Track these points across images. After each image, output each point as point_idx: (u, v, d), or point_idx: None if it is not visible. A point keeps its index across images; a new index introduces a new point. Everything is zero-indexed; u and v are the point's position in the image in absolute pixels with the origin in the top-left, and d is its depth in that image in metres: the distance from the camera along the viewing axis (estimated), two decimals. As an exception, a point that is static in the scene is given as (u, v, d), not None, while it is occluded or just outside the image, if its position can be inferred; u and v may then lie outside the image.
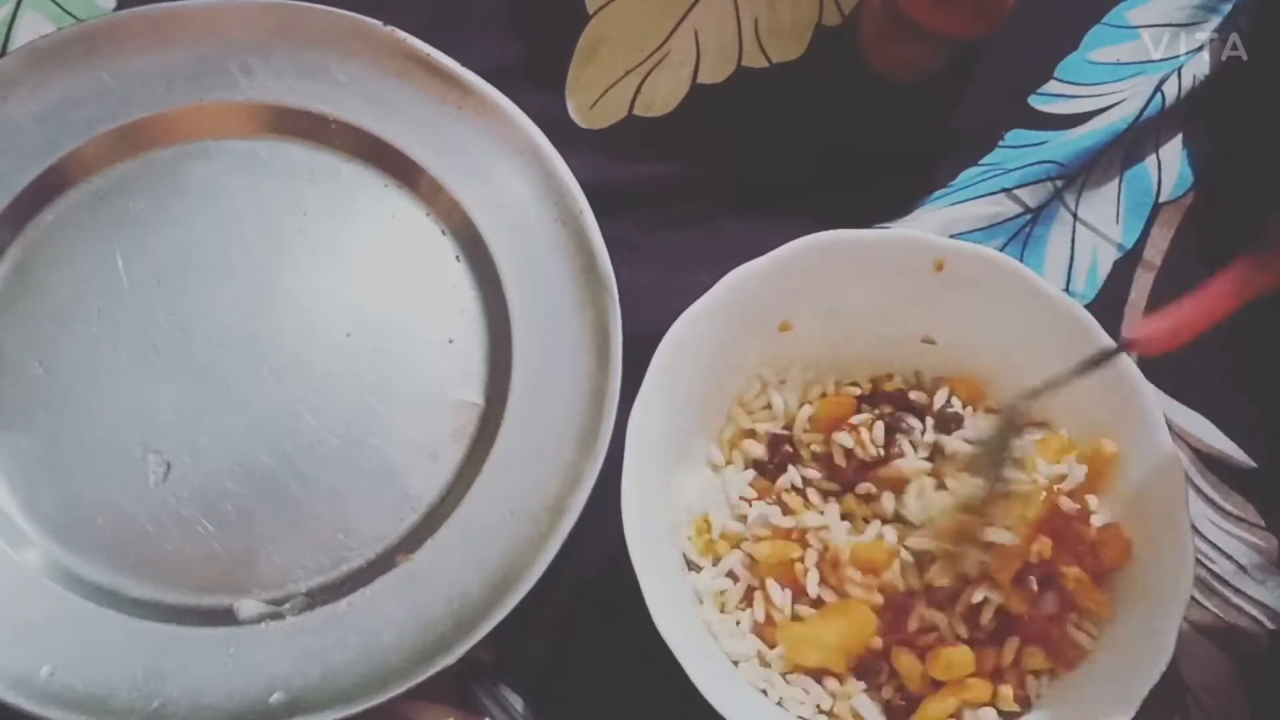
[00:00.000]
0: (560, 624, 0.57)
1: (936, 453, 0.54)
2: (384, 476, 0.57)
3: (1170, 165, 0.66)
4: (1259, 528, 0.60)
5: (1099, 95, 0.66)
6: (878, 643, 0.51)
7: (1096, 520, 0.53)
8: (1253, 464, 0.61)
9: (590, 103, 0.66)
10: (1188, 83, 0.65)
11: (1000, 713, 0.51)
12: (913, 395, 0.56)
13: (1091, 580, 0.52)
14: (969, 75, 0.66)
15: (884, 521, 0.53)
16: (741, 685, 0.51)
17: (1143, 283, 0.64)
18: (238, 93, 0.62)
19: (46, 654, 0.52)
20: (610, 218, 0.61)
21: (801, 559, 0.52)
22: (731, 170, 0.65)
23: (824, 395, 0.56)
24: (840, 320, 0.56)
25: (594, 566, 0.56)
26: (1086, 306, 0.55)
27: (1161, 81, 0.66)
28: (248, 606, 0.54)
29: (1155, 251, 0.65)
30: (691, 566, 0.54)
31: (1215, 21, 0.67)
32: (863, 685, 0.52)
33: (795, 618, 0.52)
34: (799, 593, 0.52)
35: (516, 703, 0.55)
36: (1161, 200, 0.65)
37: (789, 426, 0.56)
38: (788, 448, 0.55)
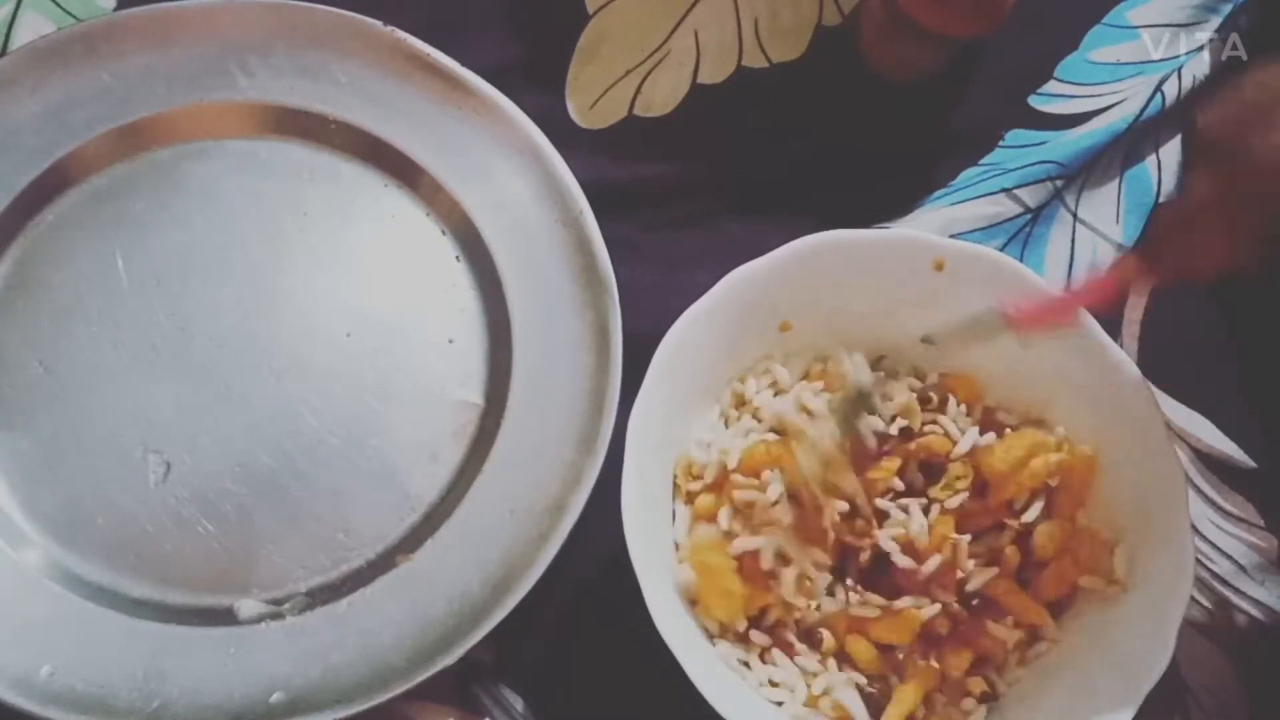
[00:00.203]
0: (560, 624, 0.57)
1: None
2: (384, 476, 0.57)
3: (1170, 165, 0.66)
4: (1259, 528, 0.60)
5: (1099, 95, 0.66)
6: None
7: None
8: (1253, 464, 0.61)
9: (590, 103, 0.66)
10: (1188, 83, 0.66)
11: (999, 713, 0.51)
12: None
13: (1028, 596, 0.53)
14: (969, 75, 0.66)
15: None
16: (740, 685, 0.51)
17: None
18: (238, 93, 0.62)
19: (46, 654, 0.52)
20: (610, 218, 0.61)
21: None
22: (731, 170, 0.65)
23: (824, 371, 0.56)
24: (840, 320, 0.56)
25: (594, 566, 0.56)
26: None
27: (1161, 81, 0.66)
28: (248, 606, 0.54)
29: (1155, 251, 0.65)
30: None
31: (1215, 21, 0.67)
32: (845, 677, 0.52)
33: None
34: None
35: (516, 703, 0.55)
36: (1161, 200, 0.65)
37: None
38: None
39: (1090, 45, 0.68)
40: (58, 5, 0.65)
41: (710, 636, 0.52)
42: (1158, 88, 0.65)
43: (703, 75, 0.66)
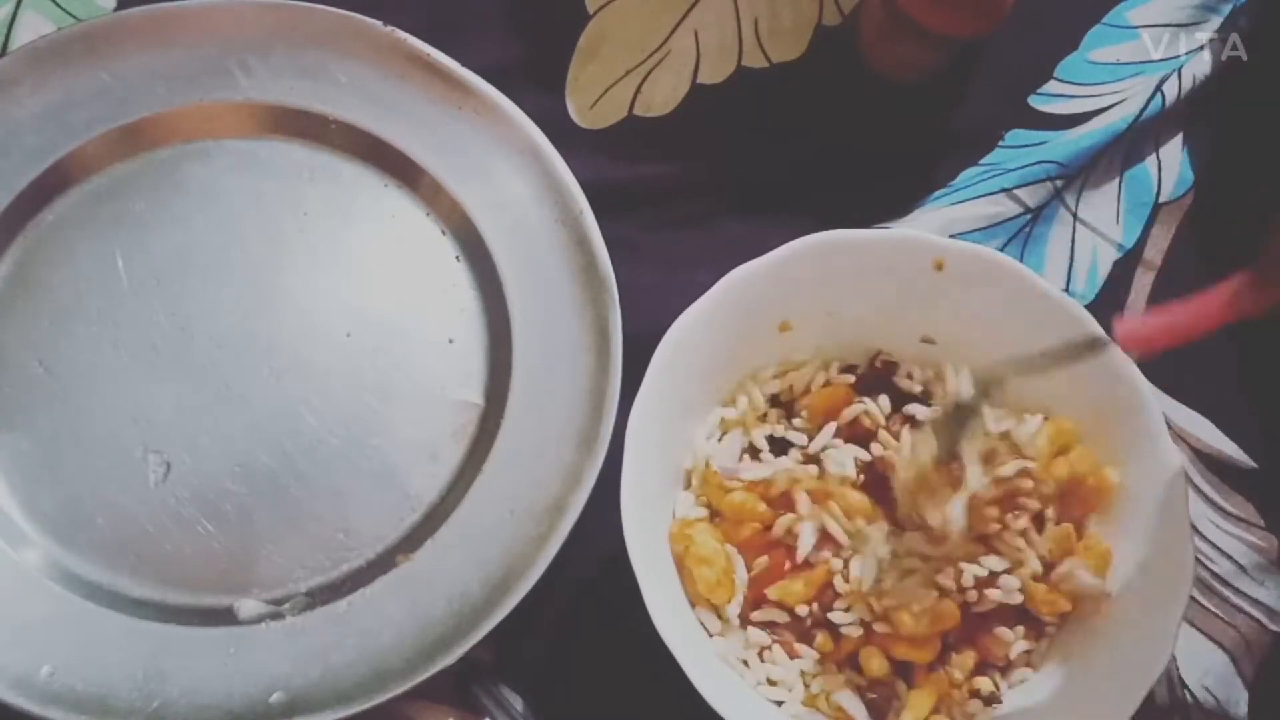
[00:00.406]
0: (560, 624, 0.57)
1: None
2: (384, 476, 0.57)
3: (1170, 165, 0.66)
4: (1259, 528, 0.60)
5: (1099, 95, 0.66)
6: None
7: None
8: (1253, 464, 0.61)
9: (590, 103, 0.66)
10: (1188, 83, 0.65)
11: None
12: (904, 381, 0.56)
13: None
14: (969, 75, 0.66)
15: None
16: (739, 684, 0.51)
17: (1143, 283, 0.64)
18: (238, 93, 0.62)
19: (46, 654, 0.52)
20: (610, 218, 0.61)
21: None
22: (731, 170, 0.65)
23: (827, 384, 0.56)
24: (840, 320, 0.56)
25: (594, 566, 0.56)
26: (1086, 306, 0.54)
27: (1161, 81, 0.66)
28: (248, 606, 0.55)
29: (1155, 251, 0.65)
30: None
31: (1215, 21, 0.67)
32: (844, 678, 0.51)
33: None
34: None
35: (516, 703, 0.55)
36: (1161, 200, 0.65)
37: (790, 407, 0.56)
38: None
39: (1090, 45, 0.68)
40: (58, 5, 0.65)
41: (709, 634, 0.52)
42: (1158, 88, 0.65)
43: (703, 75, 0.66)
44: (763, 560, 0.52)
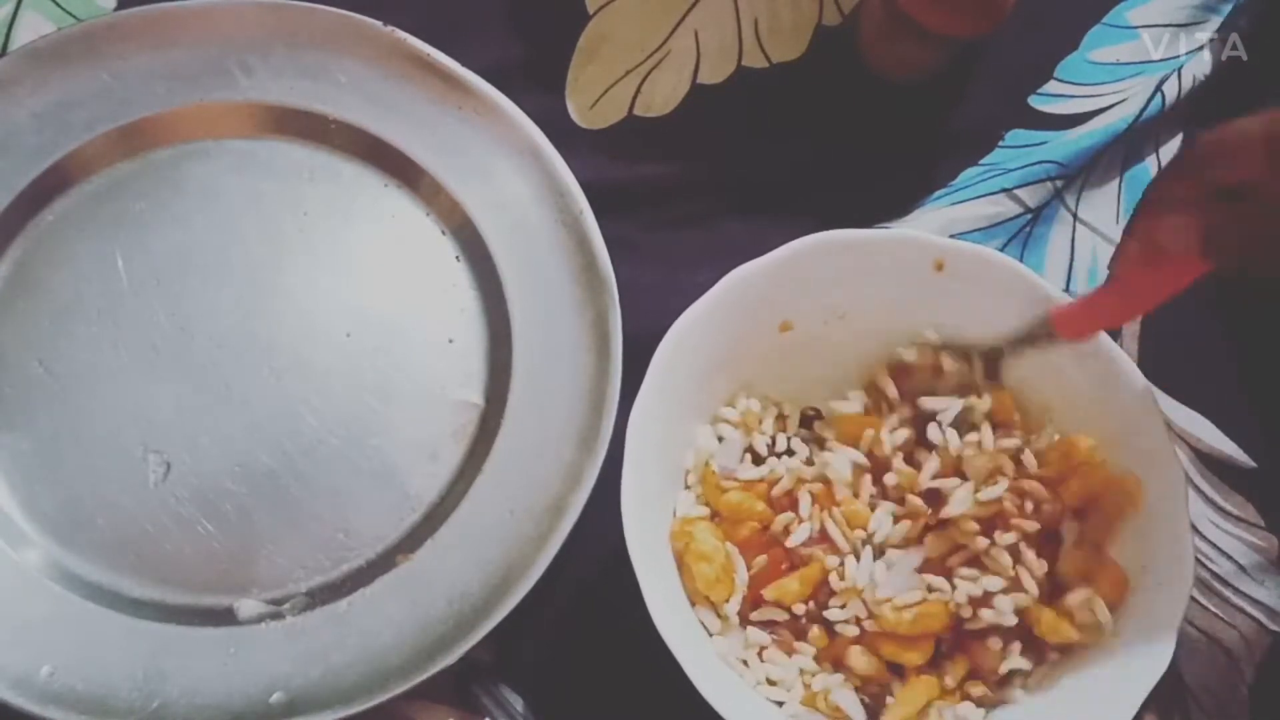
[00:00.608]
0: (560, 624, 0.57)
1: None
2: (384, 476, 0.57)
3: (1170, 165, 0.66)
4: (1259, 528, 0.60)
5: (1099, 95, 0.66)
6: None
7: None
8: (1253, 464, 0.61)
9: (590, 103, 0.66)
10: (1188, 83, 0.65)
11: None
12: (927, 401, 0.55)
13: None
14: (969, 75, 0.66)
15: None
16: (739, 684, 0.51)
17: (1143, 283, 0.64)
18: (238, 93, 0.62)
19: (46, 654, 0.52)
20: (610, 218, 0.61)
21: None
22: (731, 170, 0.65)
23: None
24: (840, 320, 0.56)
25: (594, 566, 0.56)
26: (1086, 306, 0.55)
27: (1161, 81, 0.66)
28: (248, 606, 0.55)
29: (1155, 251, 0.65)
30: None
31: (1215, 21, 0.67)
32: (841, 678, 0.51)
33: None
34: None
35: (516, 703, 0.55)
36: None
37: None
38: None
39: (1090, 45, 0.68)
40: (58, 5, 0.65)
41: (709, 634, 0.52)
42: (1158, 88, 0.65)
43: (703, 75, 0.66)
44: (761, 560, 0.52)
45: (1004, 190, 0.64)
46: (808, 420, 0.57)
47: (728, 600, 0.52)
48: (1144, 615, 0.51)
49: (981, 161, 0.65)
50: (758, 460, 0.55)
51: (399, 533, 0.56)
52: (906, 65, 0.65)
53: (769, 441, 0.55)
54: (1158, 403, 0.53)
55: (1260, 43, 0.66)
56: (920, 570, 0.52)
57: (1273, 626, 0.58)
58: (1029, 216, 0.64)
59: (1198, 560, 0.58)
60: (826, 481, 0.53)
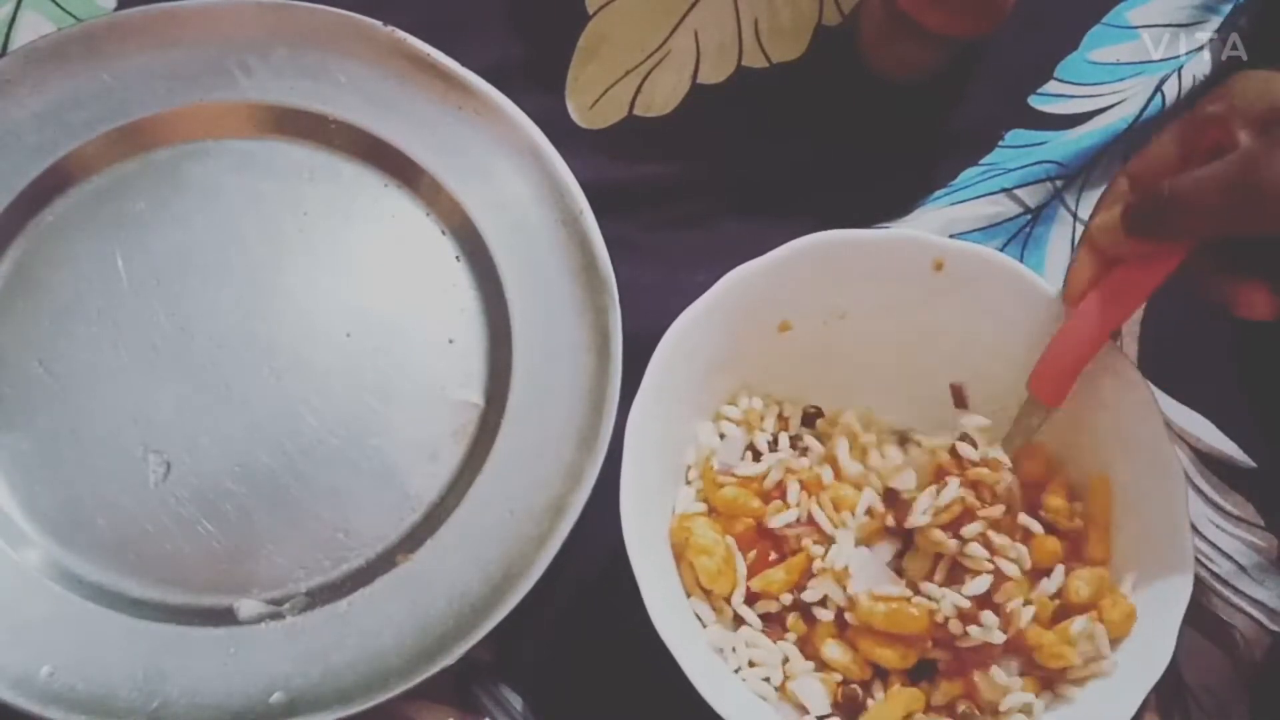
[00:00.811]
0: (560, 624, 0.57)
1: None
2: (384, 476, 0.57)
3: (1170, 165, 0.66)
4: (1259, 528, 0.60)
5: (1099, 95, 0.66)
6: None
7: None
8: (1253, 464, 0.61)
9: (590, 103, 0.66)
10: (1188, 83, 0.65)
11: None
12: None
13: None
14: (969, 75, 0.66)
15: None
16: (740, 686, 0.51)
17: (1142, 283, 0.64)
18: (238, 93, 0.62)
19: (46, 654, 0.52)
20: (610, 218, 0.61)
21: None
22: (731, 170, 0.65)
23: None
24: (840, 320, 0.56)
25: (594, 566, 0.56)
26: (1086, 306, 0.55)
27: (1161, 82, 0.66)
28: (248, 606, 0.54)
29: (1155, 251, 0.65)
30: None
31: (1215, 22, 0.67)
32: (811, 666, 0.51)
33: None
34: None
35: (516, 703, 0.55)
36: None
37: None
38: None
39: (1090, 45, 0.68)
40: (58, 5, 0.65)
41: (704, 625, 0.52)
42: (1158, 88, 0.65)
43: (703, 75, 0.66)
44: (752, 554, 0.52)
45: (1004, 190, 0.64)
46: (809, 419, 0.57)
47: (732, 591, 0.52)
48: (1144, 615, 0.51)
49: (981, 161, 0.65)
50: (759, 459, 0.55)
51: (399, 533, 0.56)
52: (906, 65, 0.65)
53: (770, 440, 0.55)
54: (1158, 403, 0.53)
55: (1260, 43, 0.66)
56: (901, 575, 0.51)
57: (1273, 626, 0.58)
58: (1029, 216, 0.64)
59: (1198, 560, 0.58)
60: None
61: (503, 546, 0.55)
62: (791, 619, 0.52)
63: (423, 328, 0.60)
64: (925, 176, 0.65)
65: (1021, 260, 0.60)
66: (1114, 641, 0.51)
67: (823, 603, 0.51)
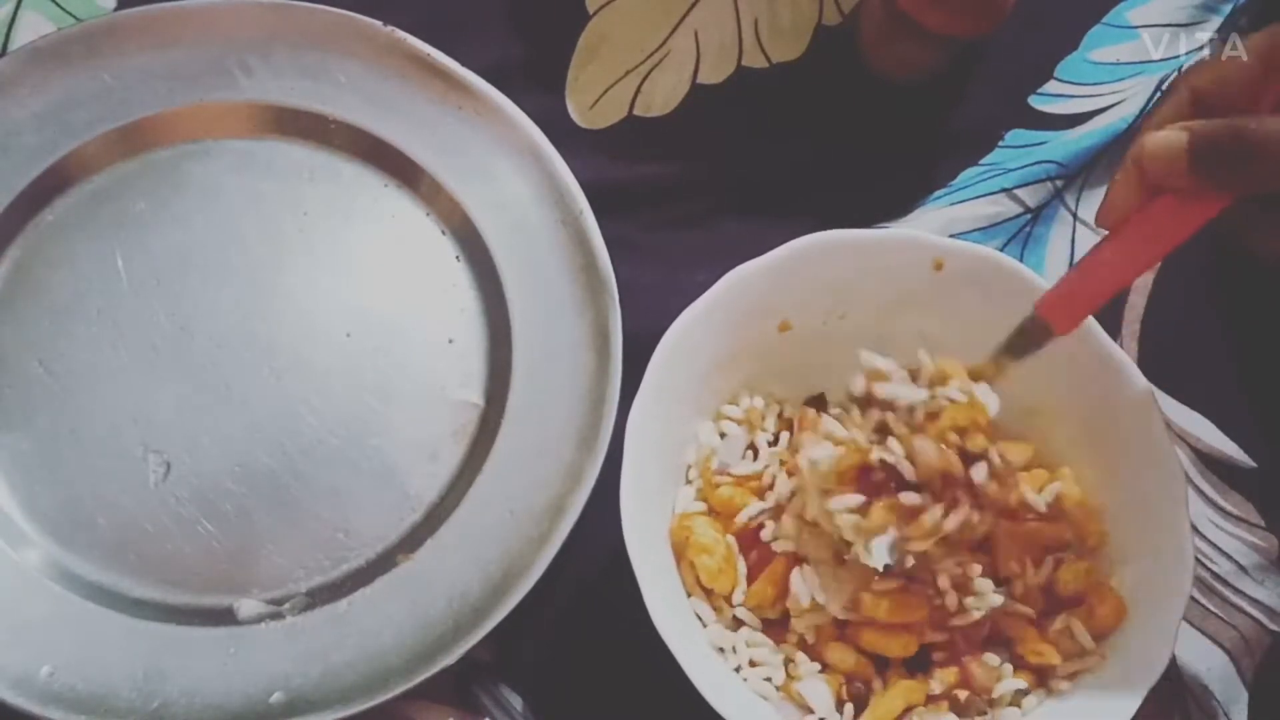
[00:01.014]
0: (560, 624, 0.57)
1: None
2: (384, 476, 0.57)
3: (1170, 165, 0.66)
4: (1259, 528, 0.60)
5: (1099, 95, 0.66)
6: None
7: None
8: (1253, 464, 0.61)
9: (590, 103, 0.66)
10: (1188, 83, 0.65)
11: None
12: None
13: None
14: (969, 75, 0.66)
15: None
16: (740, 686, 0.51)
17: (1142, 283, 0.64)
18: (238, 93, 0.62)
19: (46, 654, 0.52)
20: (610, 218, 0.61)
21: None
22: (731, 170, 0.65)
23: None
24: (840, 320, 0.56)
25: (594, 566, 0.56)
26: (1086, 306, 0.55)
27: (1161, 81, 0.66)
28: (248, 606, 0.54)
29: (1155, 251, 0.65)
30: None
31: (1215, 21, 0.67)
32: (817, 667, 0.51)
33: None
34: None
35: (516, 703, 0.55)
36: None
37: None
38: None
39: (1090, 45, 0.68)
40: (58, 5, 0.65)
41: (704, 624, 0.52)
42: (1158, 88, 0.65)
43: (703, 75, 0.67)
44: (754, 554, 0.52)
45: (1004, 190, 0.64)
46: (817, 405, 0.56)
47: (733, 590, 0.52)
48: (1143, 614, 0.51)
49: (981, 161, 0.65)
50: (759, 458, 0.55)
51: (399, 533, 0.56)
52: (906, 65, 0.65)
53: (771, 439, 0.55)
54: (1158, 403, 0.53)
55: (1260, 43, 0.66)
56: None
57: (1273, 626, 0.58)
58: (1029, 216, 0.64)
59: (1198, 560, 0.58)
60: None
61: (503, 546, 0.55)
62: (791, 635, 0.52)
63: (423, 328, 0.60)
64: (925, 176, 0.65)
65: (1021, 260, 0.60)
66: (1104, 635, 0.51)
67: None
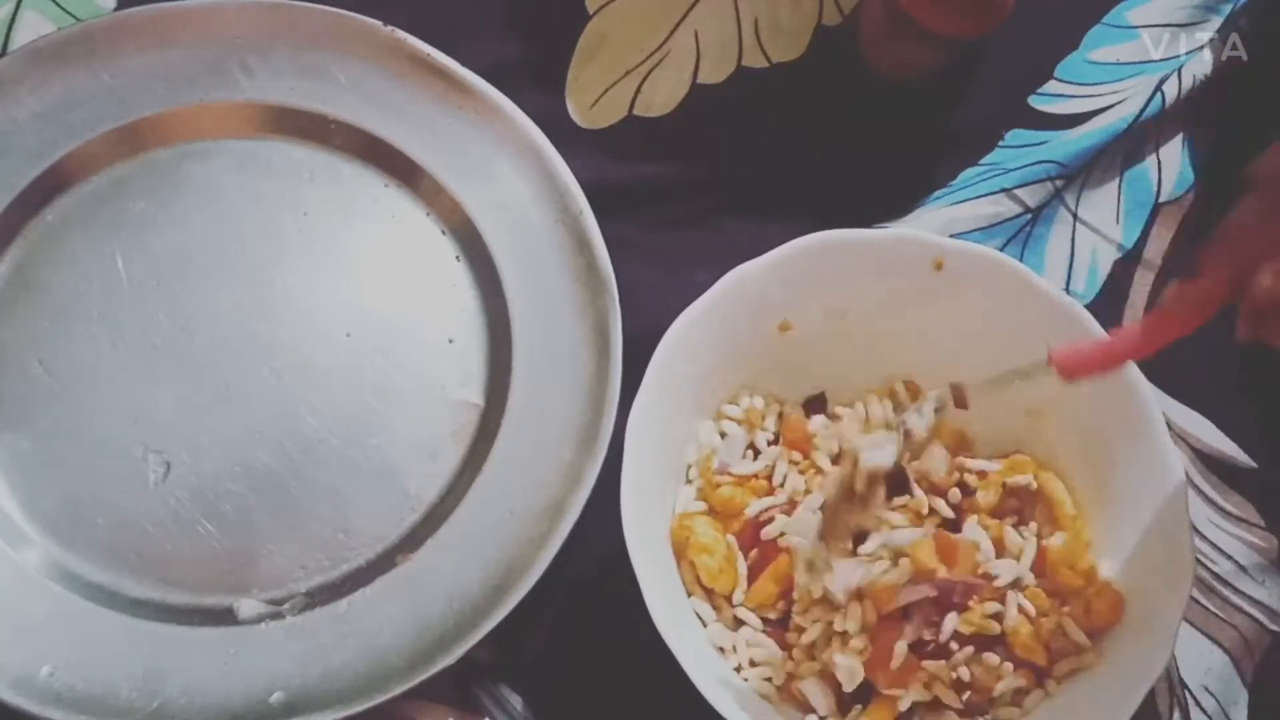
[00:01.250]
0: (560, 624, 0.57)
1: None
2: (384, 476, 0.57)
3: (1170, 165, 0.66)
4: (1259, 528, 0.60)
5: (1099, 95, 0.66)
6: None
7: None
8: (1253, 464, 0.61)
9: (590, 103, 0.66)
10: (1188, 83, 0.65)
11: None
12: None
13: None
14: (969, 75, 0.66)
15: None
16: (740, 686, 0.51)
17: (1143, 283, 0.64)
18: (238, 93, 0.62)
19: (46, 654, 0.52)
20: (610, 218, 0.61)
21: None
22: (731, 170, 0.65)
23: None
24: (840, 320, 0.56)
25: (594, 566, 0.56)
26: (1086, 306, 0.54)
27: (1161, 81, 0.66)
28: (248, 606, 0.54)
29: (1155, 251, 0.65)
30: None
31: (1215, 21, 0.67)
32: (817, 667, 0.51)
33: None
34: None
35: (516, 703, 0.55)
36: (1161, 200, 0.65)
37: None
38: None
39: (1090, 45, 0.68)
40: (58, 5, 0.65)
41: (704, 624, 0.52)
42: (1158, 88, 0.65)
43: (703, 75, 0.66)
44: (754, 554, 0.52)
45: (1004, 190, 0.64)
46: (816, 405, 0.56)
47: (734, 589, 0.52)
48: (1143, 614, 0.51)
49: (981, 161, 0.65)
50: (759, 458, 0.55)
51: (399, 533, 0.56)
52: (906, 65, 0.65)
53: (771, 438, 0.55)
54: (1158, 403, 0.53)
55: (1260, 43, 0.66)
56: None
57: (1273, 626, 0.58)
58: (1029, 216, 0.64)
59: (1198, 560, 0.58)
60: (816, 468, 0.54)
61: (503, 546, 0.55)
62: (792, 637, 0.52)
63: (423, 328, 0.60)
64: (925, 176, 0.65)
65: (1021, 260, 0.60)
66: (1101, 631, 0.51)
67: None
